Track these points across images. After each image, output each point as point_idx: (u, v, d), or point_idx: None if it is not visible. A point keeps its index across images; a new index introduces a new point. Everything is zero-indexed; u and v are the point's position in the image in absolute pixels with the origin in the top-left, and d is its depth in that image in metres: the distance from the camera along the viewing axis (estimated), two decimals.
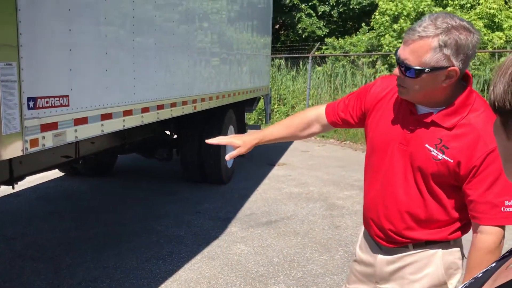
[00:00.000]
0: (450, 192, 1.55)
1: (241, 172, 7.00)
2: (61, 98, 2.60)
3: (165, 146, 6.18)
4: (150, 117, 3.72)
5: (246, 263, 3.98)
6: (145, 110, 3.59)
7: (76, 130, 2.74)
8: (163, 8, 4.00)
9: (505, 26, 11.46)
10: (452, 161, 1.49)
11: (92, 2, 2.88)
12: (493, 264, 0.72)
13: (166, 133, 6.34)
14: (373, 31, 13.62)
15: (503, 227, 1.49)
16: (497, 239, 1.47)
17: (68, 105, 2.65)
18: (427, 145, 1.53)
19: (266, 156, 8.24)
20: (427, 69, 1.42)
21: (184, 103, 4.41)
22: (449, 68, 1.42)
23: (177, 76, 4.28)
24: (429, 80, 1.45)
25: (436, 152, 1.51)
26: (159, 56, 3.88)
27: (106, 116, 3.03)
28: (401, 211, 1.62)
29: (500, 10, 11.71)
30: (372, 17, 13.80)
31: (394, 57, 1.55)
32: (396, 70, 1.50)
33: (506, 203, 1.46)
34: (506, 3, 12.95)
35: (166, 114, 4.02)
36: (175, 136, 6.34)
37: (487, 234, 1.48)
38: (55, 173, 6.45)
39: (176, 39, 4.23)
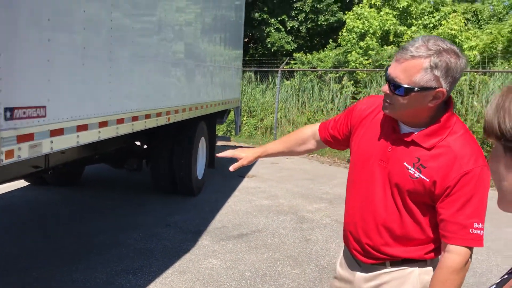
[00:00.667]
0: (425, 211, 1.61)
1: (211, 184, 6.98)
2: (38, 109, 2.55)
3: (135, 156, 6.11)
4: (125, 129, 3.68)
5: (218, 277, 3.97)
6: (120, 121, 3.55)
7: (52, 142, 2.69)
8: (140, 20, 3.99)
9: (465, 47, 11.94)
10: (428, 180, 1.54)
11: (71, 12, 2.85)
12: (493, 287, 0.76)
13: (136, 144, 6.27)
14: (340, 47, 13.92)
15: (470, 249, 1.54)
16: (463, 259, 1.53)
17: (45, 116, 2.60)
18: (405, 163, 1.59)
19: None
20: (416, 88, 1.47)
21: (158, 114, 4.39)
22: (437, 89, 1.48)
23: (152, 88, 4.26)
24: (417, 99, 1.50)
25: (414, 170, 1.57)
26: (135, 68, 3.86)
27: (82, 128, 2.98)
28: (379, 226, 1.67)
29: (461, 31, 12.21)
30: (340, 34, 14.11)
31: (384, 74, 1.60)
32: (385, 87, 1.55)
33: (475, 225, 1.51)
34: (466, 24, 13.52)
35: (140, 125, 3.99)
36: (145, 146, 6.27)
37: (454, 254, 1.53)
38: (20, 183, 6.26)
39: (151, 51, 4.22)
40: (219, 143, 9.64)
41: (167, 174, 6.00)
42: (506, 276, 0.77)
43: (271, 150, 2.05)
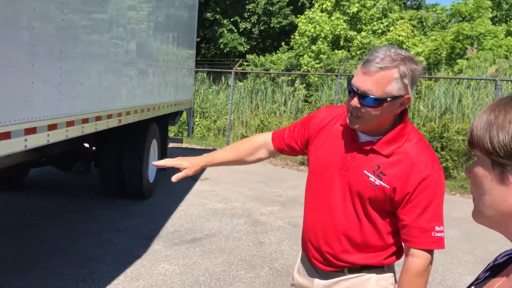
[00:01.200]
0: (385, 217, 1.65)
1: (163, 187, 6.86)
2: None
3: (83, 159, 5.90)
4: (75, 131, 3.55)
5: (172, 283, 3.90)
6: (70, 124, 3.42)
7: None
8: (91, 19, 3.85)
9: (412, 52, 12.38)
10: (388, 187, 1.58)
11: (18, 10, 2.70)
12: None
13: (84, 146, 6.06)
14: (293, 50, 14.08)
15: (431, 252, 1.60)
16: (426, 262, 1.59)
17: None
18: (365, 171, 1.62)
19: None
20: (389, 98, 1.51)
21: (109, 116, 4.26)
22: (405, 96, 1.53)
23: (102, 89, 4.13)
24: (387, 109, 1.54)
25: (374, 178, 1.60)
26: (86, 68, 3.72)
27: (30, 131, 2.84)
28: (339, 234, 1.69)
29: (408, 38, 12.66)
30: (292, 37, 14.27)
31: (347, 87, 1.61)
32: (354, 101, 1.54)
33: (436, 228, 1.57)
34: (412, 31, 14.03)
35: (90, 128, 3.86)
36: (94, 148, 6.07)
37: (417, 258, 1.59)
38: None
39: (102, 51, 4.08)
40: (170, 145, 9.49)
41: (117, 177, 5.84)
42: (481, 281, 0.78)
43: (218, 159, 1.94)
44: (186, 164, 1.85)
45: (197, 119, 12.64)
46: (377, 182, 1.59)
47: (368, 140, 1.64)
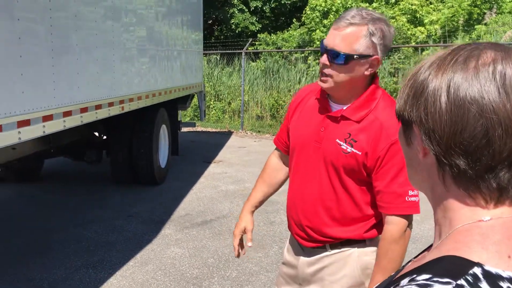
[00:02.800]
0: (361, 187, 1.62)
1: (176, 171, 6.90)
2: None
3: (94, 148, 5.97)
4: (73, 121, 3.57)
5: (180, 266, 3.93)
6: (67, 114, 3.44)
7: None
8: (86, 4, 3.84)
9: (426, 21, 12.05)
10: (360, 153, 1.56)
11: (2, 1, 2.70)
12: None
13: (94, 135, 6.12)
14: (304, 26, 13.86)
15: (407, 217, 1.56)
16: (401, 228, 1.55)
17: None
18: (337, 140, 1.60)
19: (202, 154, 8.18)
20: (356, 56, 1.49)
21: (110, 104, 4.27)
22: (374, 57, 1.50)
23: (102, 77, 4.13)
24: (355, 68, 1.51)
25: (346, 146, 1.58)
26: (82, 56, 3.72)
27: (23, 123, 2.86)
28: (317, 207, 1.68)
29: (421, 6, 12.30)
30: (303, 12, 14.04)
31: (320, 47, 1.59)
32: (323, 58, 1.54)
33: (410, 193, 1.54)
34: None
35: (90, 117, 3.88)
36: (104, 137, 6.13)
37: (392, 224, 1.56)
38: None
39: (100, 37, 4.08)
40: (184, 129, 9.53)
41: (128, 164, 5.89)
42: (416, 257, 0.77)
43: (259, 199, 1.98)
44: (247, 226, 1.96)
45: (211, 102, 12.63)
46: (349, 149, 1.57)
47: (339, 109, 1.62)
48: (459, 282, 0.55)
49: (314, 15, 13.13)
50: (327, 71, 1.55)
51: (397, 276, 0.66)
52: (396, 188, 1.53)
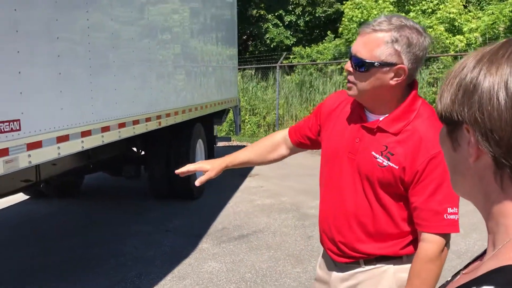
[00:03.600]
0: (398, 202, 1.54)
1: (212, 185, 6.89)
2: (11, 123, 2.49)
3: (132, 163, 6.05)
4: (111, 136, 3.62)
5: (218, 281, 3.90)
6: (105, 129, 3.49)
7: (29, 155, 2.63)
8: (122, 23, 3.92)
9: (465, 29, 11.74)
10: (397, 167, 1.48)
11: (43, 20, 2.78)
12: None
13: (132, 150, 6.21)
14: (340, 38, 13.77)
15: (445, 236, 1.47)
16: (438, 248, 1.46)
17: (19, 129, 2.54)
18: (373, 153, 1.53)
19: (238, 168, 8.15)
20: (376, 63, 1.42)
21: (148, 119, 4.32)
22: (398, 66, 1.42)
23: (139, 92, 4.19)
24: (378, 76, 1.45)
25: (382, 159, 1.51)
26: (119, 73, 3.79)
27: (62, 139, 2.92)
28: (351, 222, 1.60)
29: (460, 14, 12.01)
30: (341, 23, 13.96)
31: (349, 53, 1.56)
32: (347, 64, 1.50)
33: (449, 210, 1.45)
34: (465, 7, 13.30)
35: (128, 132, 3.92)
36: (142, 152, 6.21)
37: (429, 243, 1.47)
38: (19, 196, 6.23)
39: (137, 54, 4.15)
40: (220, 144, 9.57)
41: (165, 179, 5.93)
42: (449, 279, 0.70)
43: (239, 159, 1.91)
44: (207, 167, 1.84)
45: (247, 117, 12.67)
46: (385, 163, 1.49)
47: (375, 119, 1.55)
48: None
49: (351, 26, 13.04)
50: (350, 78, 1.50)
51: None
52: (435, 205, 1.45)
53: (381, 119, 1.53)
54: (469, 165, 0.62)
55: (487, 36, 11.74)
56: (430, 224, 1.46)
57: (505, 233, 0.59)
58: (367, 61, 1.43)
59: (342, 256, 1.65)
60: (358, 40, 1.47)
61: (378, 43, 1.41)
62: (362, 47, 1.44)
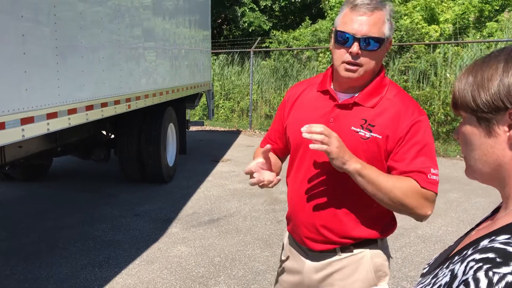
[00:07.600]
0: None
1: (184, 170, 6.88)
2: None
3: (102, 146, 5.97)
4: (79, 119, 3.56)
5: (187, 265, 3.91)
6: (72, 111, 3.42)
7: None
8: (90, 3, 3.82)
9: (441, 19, 11.90)
10: (380, 137, 1.50)
11: None
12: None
13: (102, 133, 6.12)
14: (324, 19, 13.67)
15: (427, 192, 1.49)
16: (421, 189, 1.47)
17: None
18: (353, 128, 1.53)
19: (210, 153, 8.16)
20: (385, 39, 1.51)
21: (117, 102, 4.26)
22: (390, 38, 1.54)
23: (107, 75, 4.12)
24: (382, 52, 1.53)
25: (364, 131, 1.52)
26: (87, 55, 3.71)
27: (26, 120, 2.85)
28: (333, 205, 1.57)
29: (438, 5, 12.15)
30: (321, 3, 13.82)
31: (338, 37, 1.52)
32: (355, 48, 1.47)
33: (432, 170, 1.49)
34: None
35: (96, 114, 3.86)
36: (112, 136, 6.13)
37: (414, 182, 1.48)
38: None
39: (106, 35, 4.07)
40: (193, 128, 9.53)
41: (136, 163, 5.88)
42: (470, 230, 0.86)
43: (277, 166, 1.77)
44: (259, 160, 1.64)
45: (220, 101, 12.61)
46: (368, 134, 1.51)
47: (348, 97, 1.57)
48: None
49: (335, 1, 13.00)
50: (358, 60, 1.49)
51: (457, 249, 0.77)
52: (419, 165, 1.47)
53: (356, 95, 1.56)
54: (504, 145, 0.74)
55: (457, 26, 11.93)
56: (415, 179, 1.47)
57: None
58: (379, 38, 1.48)
59: (322, 243, 1.62)
60: (359, 21, 1.47)
61: (383, 20, 1.49)
62: (372, 27, 1.47)
